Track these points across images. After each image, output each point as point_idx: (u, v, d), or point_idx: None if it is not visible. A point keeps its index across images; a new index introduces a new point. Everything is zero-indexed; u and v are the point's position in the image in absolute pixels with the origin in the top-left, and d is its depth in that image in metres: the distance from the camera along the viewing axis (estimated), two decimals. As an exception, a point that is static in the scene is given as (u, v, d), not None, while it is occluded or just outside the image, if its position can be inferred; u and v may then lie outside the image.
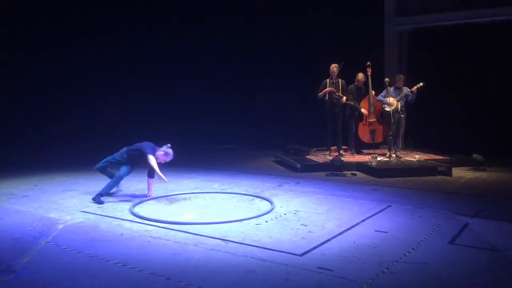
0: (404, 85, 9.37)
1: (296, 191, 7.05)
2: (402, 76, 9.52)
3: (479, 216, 5.54)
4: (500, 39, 10.07)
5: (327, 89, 9.41)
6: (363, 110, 9.76)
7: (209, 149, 11.75)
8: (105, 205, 6.19)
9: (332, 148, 9.89)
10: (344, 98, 9.47)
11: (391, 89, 9.26)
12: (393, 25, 11.51)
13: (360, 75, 9.74)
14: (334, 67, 9.45)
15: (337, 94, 9.41)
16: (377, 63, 10.71)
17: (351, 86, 9.80)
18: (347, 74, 9.66)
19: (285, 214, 5.67)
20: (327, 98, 9.46)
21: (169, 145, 6.47)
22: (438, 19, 10.83)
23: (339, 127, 9.65)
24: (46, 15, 12.35)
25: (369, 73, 9.76)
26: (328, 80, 9.50)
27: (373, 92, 9.74)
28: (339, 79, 9.50)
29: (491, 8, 10.24)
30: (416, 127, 10.05)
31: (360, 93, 9.88)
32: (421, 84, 9.08)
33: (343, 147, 9.90)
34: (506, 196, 6.81)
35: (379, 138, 10.08)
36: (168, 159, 6.47)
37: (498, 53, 10.06)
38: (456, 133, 10.10)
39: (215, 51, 13.24)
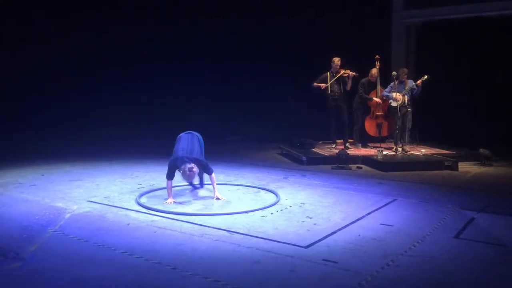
0: (409, 78, 9.32)
1: (301, 183, 7.06)
2: (405, 70, 9.47)
3: (485, 210, 5.53)
4: (509, 32, 9.97)
5: (322, 85, 9.40)
6: (376, 99, 9.73)
7: (214, 141, 11.75)
8: (112, 195, 6.23)
9: (337, 141, 9.88)
10: (351, 72, 9.43)
11: (396, 83, 9.22)
12: (401, 18, 11.42)
13: (374, 71, 9.72)
14: (337, 61, 9.43)
15: (346, 73, 9.39)
16: (384, 56, 10.66)
17: (364, 80, 9.79)
18: (354, 68, 9.62)
19: (290, 206, 5.68)
20: (328, 91, 9.45)
21: (193, 168, 5.62)
22: (446, 12, 10.74)
23: (344, 120, 9.63)
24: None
25: (377, 67, 9.73)
26: (328, 73, 9.49)
27: (382, 91, 9.68)
28: (341, 70, 9.47)
29: (501, 1, 10.14)
30: (423, 121, 10.00)
31: (371, 88, 9.87)
32: (425, 77, 9.01)
33: (349, 140, 9.89)
34: (512, 191, 6.79)
35: (385, 132, 10.06)
36: (184, 179, 5.86)
37: (507, 47, 9.96)
38: (463, 127, 10.04)
39: (220, 45, 13.22)
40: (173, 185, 6.34)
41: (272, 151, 10.54)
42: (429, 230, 4.74)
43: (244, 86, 13.09)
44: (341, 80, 9.48)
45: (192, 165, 5.61)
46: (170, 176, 5.84)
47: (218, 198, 5.98)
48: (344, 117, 9.61)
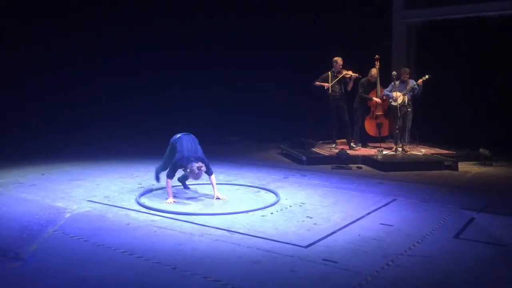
0: (410, 78, 9.32)
1: (301, 183, 7.06)
2: (407, 69, 9.48)
3: (485, 210, 5.53)
4: (509, 32, 9.97)
5: (326, 84, 9.41)
6: (375, 99, 9.74)
7: (214, 141, 11.76)
8: (112, 195, 6.23)
9: (338, 141, 9.87)
10: (353, 74, 9.45)
11: (397, 83, 9.22)
12: (401, 18, 11.42)
13: (374, 71, 9.72)
14: (340, 61, 9.44)
15: (348, 74, 9.40)
16: (385, 56, 10.66)
17: (363, 80, 9.79)
18: (354, 68, 9.63)
19: (290, 206, 5.68)
20: (330, 91, 9.45)
21: (202, 167, 5.69)
22: (447, 12, 10.74)
23: (346, 120, 9.63)
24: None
25: (377, 67, 9.73)
26: (330, 72, 9.50)
27: (382, 91, 9.69)
28: (342, 71, 9.48)
29: (501, 1, 10.14)
30: (423, 121, 10.00)
31: (371, 88, 9.87)
32: (426, 76, 9.02)
33: (352, 140, 9.89)
34: (513, 191, 6.79)
35: (385, 132, 10.06)
36: (191, 178, 5.89)
37: (507, 47, 9.96)
38: (463, 127, 10.04)
39: (220, 45, 13.23)
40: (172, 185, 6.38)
41: (272, 151, 10.53)
42: (429, 230, 4.74)
43: (244, 86, 13.09)
44: (343, 81, 9.49)
45: (200, 163, 5.69)
46: (171, 176, 5.87)
47: (218, 198, 5.98)
48: (345, 117, 9.60)
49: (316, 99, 9.95)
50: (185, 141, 5.97)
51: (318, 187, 6.79)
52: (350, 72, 9.45)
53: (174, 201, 5.82)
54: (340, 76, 9.43)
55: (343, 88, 9.54)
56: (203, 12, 13.18)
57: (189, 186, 6.67)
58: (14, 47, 11.95)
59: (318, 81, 9.56)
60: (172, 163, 5.84)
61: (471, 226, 4.93)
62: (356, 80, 9.64)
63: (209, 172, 5.94)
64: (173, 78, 13.43)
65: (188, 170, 5.72)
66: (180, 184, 6.65)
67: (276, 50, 12.48)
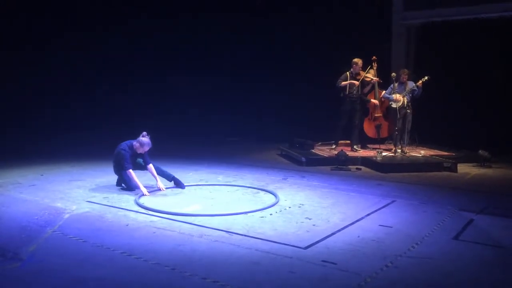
0: (409, 80, 9.33)
1: (301, 184, 7.06)
2: (406, 71, 9.49)
3: (484, 212, 5.53)
4: (509, 34, 9.98)
5: (354, 82, 9.34)
6: (373, 101, 9.74)
7: (213, 142, 11.78)
8: (111, 195, 6.23)
9: (339, 142, 9.86)
10: (375, 78, 9.48)
11: (396, 85, 9.23)
12: (401, 19, 11.43)
13: (372, 72, 9.71)
14: (360, 63, 9.41)
15: (369, 77, 9.41)
16: (384, 58, 10.66)
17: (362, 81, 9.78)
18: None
19: (289, 207, 5.68)
20: (347, 92, 9.42)
21: (144, 133, 6.38)
22: (446, 14, 10.74)
23: (356, 122, 9.59)
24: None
25: (375, 68, 9.72)
26: (348, 73, 9.46)
27: (380, 92, 9.68)
28: (361, 72, 9.47)
29: (501, 3, 10.15)
30: (422, 123, 10.01)
31: (369, 89, 9.87)
32: (426, 78, 9.03)
33: (347, 141, 9.88)
34: (511, 192, 6.78)
35: (384, 133, 10.06)
36: (146, 148, 6.38)
37: (507, 49, 9.97)
38: (462, 129, 10.06)
39: (220, 44, 13.25)
40: (166, 187, 6.56)
41: (272, 152, 10.53)
42: (428, 232, 4.74)
43: (244, 86, 13.10)
44: (360, 83, 9.45)
45: (143, 132, 6.30)
46: (130, 165, 6.22)
47: (160, 189, 6.39)
48: (356, 119, 9.56)
49: (340, 101, 9.81)
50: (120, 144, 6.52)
51: (317, 188, 6.79)
52: (370, 76, 9.44)
53: (148, 193, 6.13)
54: (361, 78, 9.39)
55: (359, 90, 9.50)
56: (203, 11, 13.19)
57: (186, 186, 6.68)
58: (14, 47, 11.95)
59: (342, 82, 9.46)
60: (122, 155, 6.24)
61: (470, 228, 4.93)
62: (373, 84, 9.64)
63: (147, 161, 6.41)
64: (173, 78, 13.44)
65: (138, 144, 6.29)
66: (174, 186, 6.71)
67: (276, 50, 12.49)
